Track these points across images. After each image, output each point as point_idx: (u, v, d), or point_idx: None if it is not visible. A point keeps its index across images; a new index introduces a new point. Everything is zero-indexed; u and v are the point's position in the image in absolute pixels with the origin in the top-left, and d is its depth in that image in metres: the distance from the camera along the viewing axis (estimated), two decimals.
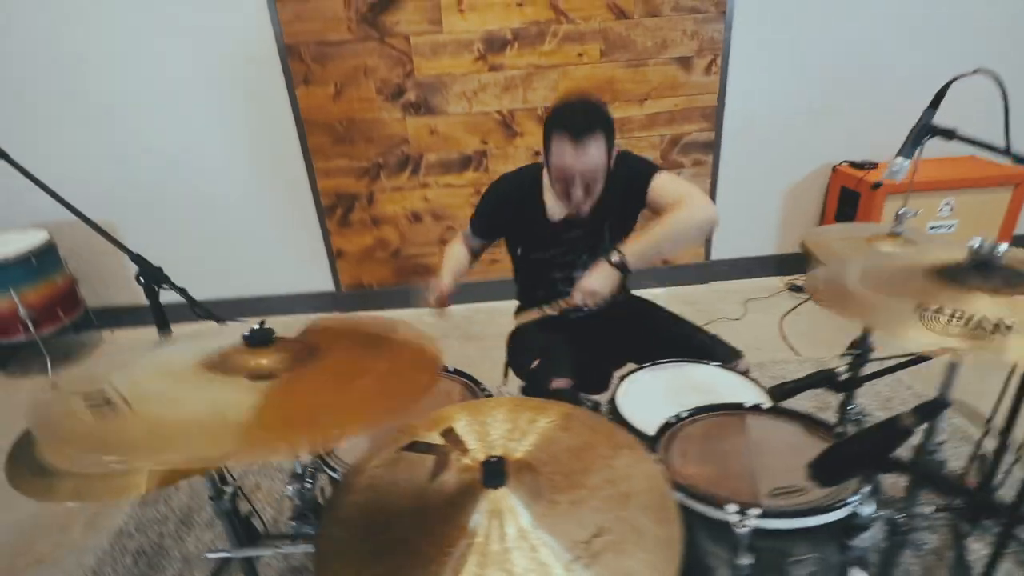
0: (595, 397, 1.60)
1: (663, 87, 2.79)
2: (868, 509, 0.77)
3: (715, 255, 3.20)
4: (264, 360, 0.79)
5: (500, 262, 3.07)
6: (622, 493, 0.79)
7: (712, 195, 3.04)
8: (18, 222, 2.81)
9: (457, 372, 1.44)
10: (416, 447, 0.90)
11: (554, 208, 1.53)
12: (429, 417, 0.97)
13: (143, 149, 2.79)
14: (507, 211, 1.58)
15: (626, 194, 1.49)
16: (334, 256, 3.07)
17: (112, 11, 2.53)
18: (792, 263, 3.14)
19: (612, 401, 1.31)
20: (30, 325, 2.62)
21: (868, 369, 1.37)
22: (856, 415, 1.42)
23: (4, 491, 0.87)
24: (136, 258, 1.31)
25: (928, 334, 0.79)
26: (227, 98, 2.72)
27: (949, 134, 1.26)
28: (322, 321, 0.95)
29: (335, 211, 2.97)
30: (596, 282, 1.35)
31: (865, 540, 0.79)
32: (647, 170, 1.46)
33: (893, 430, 0.62)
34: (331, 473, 0.99)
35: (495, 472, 0.77)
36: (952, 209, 2.72)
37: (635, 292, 1.75)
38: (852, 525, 0.79)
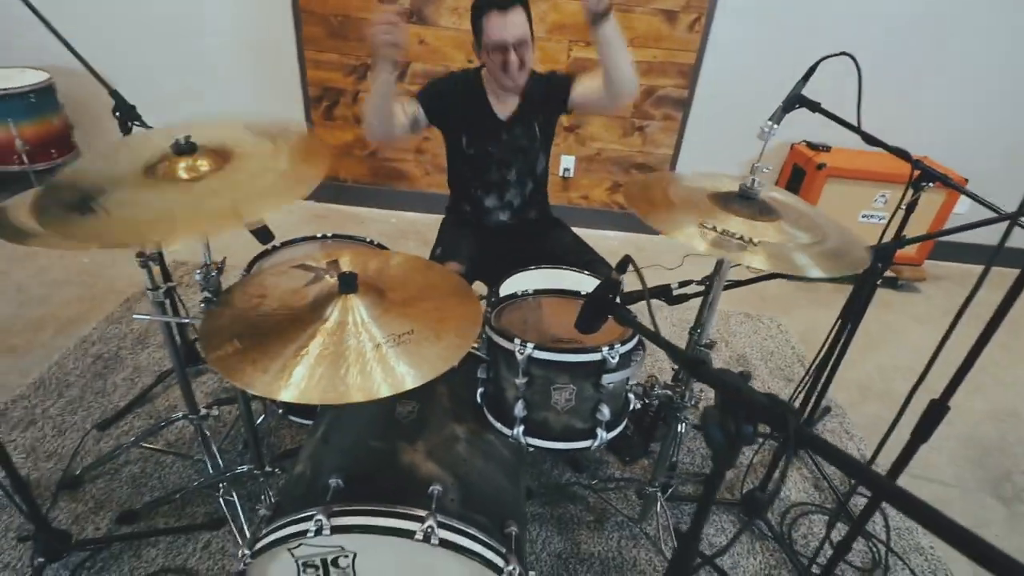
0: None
1: (647, 37, 2.91)
2: (613, 358, 1.04)
3: None
4: (193, 164, 1.03)
5: (431, 176, 3.28)
6: (442, 316, 1.06)
7: (676, 151, 3.22)
8: (20, 62, 2.97)
9: (373, 243, 1.70)
10: (303, 266, 1.16)
11: (498, 107, 1.77)
12: (324, 253, 1.23)
13: (145, 10, 2.92)
14: (454, 99, 1.76)
15: (548, 98, 1.79)
16: None
17: None
18: None
19: (496, 286, 1.57)
20: (24, 157, 2.84)
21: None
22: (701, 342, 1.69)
23: None
24: (113, 93, 1.53)
25: (701, 241, 1.04)
26: None
27: (814, 106, 1.47)
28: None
29: (320, 103, 3.13)
30: None
31: (612, 382, 1.07)
32: (566, 77, 1.77)
33: (607, 282, 0.87)
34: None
35: (348, 281, 1.03)
36: (886, 202, 2.92)
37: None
38: (602, 368, 1.06)
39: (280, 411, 1.54)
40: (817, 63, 1.43)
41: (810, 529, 1.70)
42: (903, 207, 1.49)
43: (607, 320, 0.99)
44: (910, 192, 1.48)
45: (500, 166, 1.82)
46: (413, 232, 3.23)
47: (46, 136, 2.92)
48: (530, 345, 1.04)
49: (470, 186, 1.87)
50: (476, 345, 1.14)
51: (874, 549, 1.63)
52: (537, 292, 1.30)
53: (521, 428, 1.11)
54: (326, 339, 0.98)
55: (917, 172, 1.45)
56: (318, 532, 0.94)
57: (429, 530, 0.93)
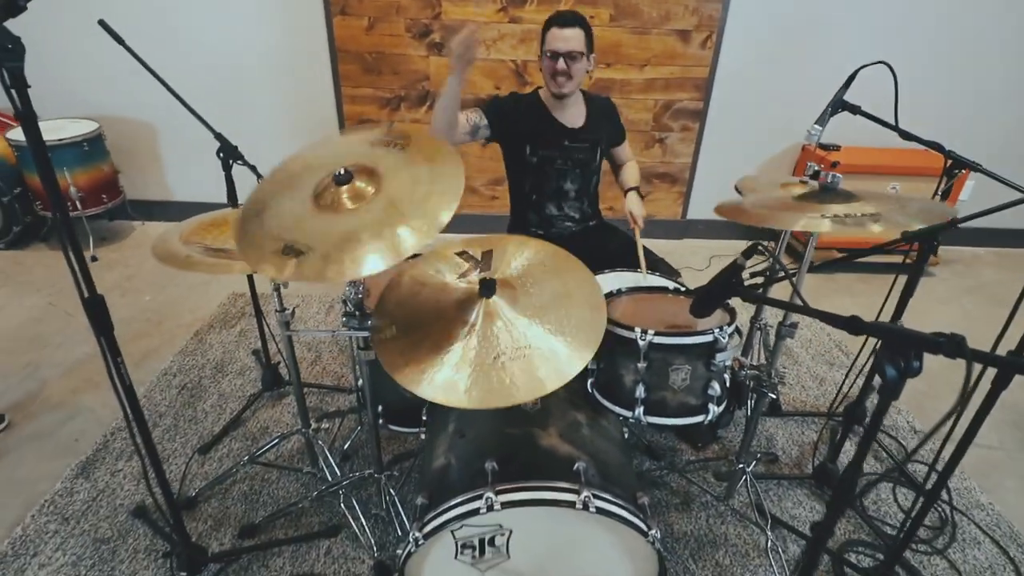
0: None
1: (662, 55, 3.11)
2: (724, 338, 1.18)
3: (691, 215, 3.58)
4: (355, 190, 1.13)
5: (499, 199, 3.44)
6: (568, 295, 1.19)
7: (694, 160, 3.41)
8: (54, 113, 3.09)
9: None
10: (463, 254, 1.28)
11: (564, 118, 1.96)
12: (474, 241, 1.34)
13: (189, 55, 3.07)
14: (519, 115, 1.93)
15: (610, 133, 2.07)
16: None
17: None
18: (758, 229, 3.53)
19: None
20: (78, 204, 2.96)
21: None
22: (763, 325, 1.84)
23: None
24: (218, 136, 1.67)
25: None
26: (270, 20, 3.00)
27: (855, 109, 1.64)
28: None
29: None
30: (640, 207, 1.98)
31: (722, 360, 1.20)
32: (623, 130, 2.15)
33: (732, 267, 1.01)
34: None
35: (488, 287, 1.16)
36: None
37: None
38: (714, 348, 1.19)
39: (381, 420, 1.65)
40: (856, 71, 1.60)
41: (879, 495, 1.82)
42: (939, 194, 1.65)
43: (721, 304, 1.13)
44: (944, 180, 1.65)
45: (560, 176, 1.98)
46: None
47: (97, 182, 3.04)
48: (651, 332, 1.18)
49: (534, 197, 2.02)
50: None
51: (939, 508, 1.76)
52: (632, 289, 1.44)
53: (641, 408, 1.23)
54: (469, 342, 1.10)
55: (950, 161, 1.63)
56: (489, 509, 1.05)
57: (587, 500, 1.05)
